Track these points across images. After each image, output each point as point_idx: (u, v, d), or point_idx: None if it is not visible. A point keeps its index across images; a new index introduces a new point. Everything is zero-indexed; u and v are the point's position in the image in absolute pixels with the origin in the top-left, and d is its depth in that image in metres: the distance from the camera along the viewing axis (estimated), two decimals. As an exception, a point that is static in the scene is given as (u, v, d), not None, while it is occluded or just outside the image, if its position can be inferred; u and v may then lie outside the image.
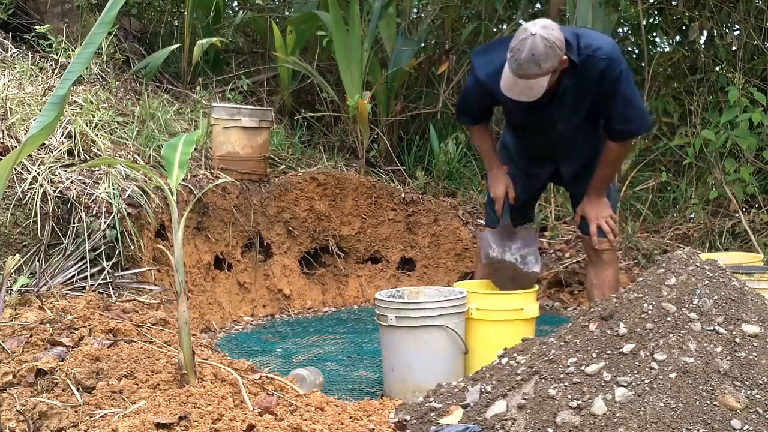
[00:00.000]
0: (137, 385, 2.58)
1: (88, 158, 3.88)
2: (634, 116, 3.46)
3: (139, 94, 5.17)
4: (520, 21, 6.87)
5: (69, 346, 2.84)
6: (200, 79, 5.91)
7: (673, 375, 2.28)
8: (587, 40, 3.34)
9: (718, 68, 5.87)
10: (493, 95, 3.44)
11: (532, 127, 3.61)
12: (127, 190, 3.82)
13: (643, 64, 6.34)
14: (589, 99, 3.43)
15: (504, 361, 2.66)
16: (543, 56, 3.13)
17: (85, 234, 3.57)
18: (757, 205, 5.28)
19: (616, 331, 2.45)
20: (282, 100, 6.28)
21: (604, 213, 3.65)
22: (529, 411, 2.35)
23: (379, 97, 6.01)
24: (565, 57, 3.23)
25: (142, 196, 3.88)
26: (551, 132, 3.54)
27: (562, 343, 2.54)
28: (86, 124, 4.05)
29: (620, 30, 6.89)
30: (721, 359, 2.32)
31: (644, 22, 6.21)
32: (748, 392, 2.26)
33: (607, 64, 3.33)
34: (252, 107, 4.99)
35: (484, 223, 4.16)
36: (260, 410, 2.50)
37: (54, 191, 3.60)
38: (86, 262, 3.52)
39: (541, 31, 3.15)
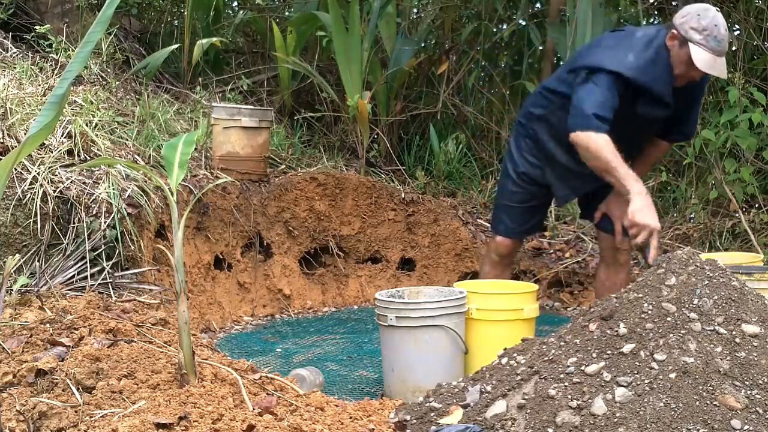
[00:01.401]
0: (137, 385, 2.58)
1: (88, 158, 3.88)
2: (696, 121, 3.60)
3: (139, 94, 5.17)
4: (521, 21, 6.88)
5: (69, 346, 2.84)
6: (200, 79, 5.91)
7: (673, 375, 2.28)
8: None
9: (718, 68, 5.86)
10: (639, 89, 3.37)
11: (628, 126, 3.46)
12: (127, 190, 3.82)
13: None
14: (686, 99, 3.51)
15: (504, 361, 2.66)
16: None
17: (85, 234, 3.57)
18: (757, 205, 5.28)
19: (616, 331, 2.45)
20: (282, 100, 6.28)
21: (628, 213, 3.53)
22: (529, 411, 2.35)
23: (379, 97, 6.01)
24: None
25: (142, 196, 3.88)
26: (641, 130, 3.53)
27: (562, 343, 2.54)
28: (86, 124, 4.05)
29: (620, 30, 6.88)
30: (721, 359, 2.32)
31: (644, 22, 6.21)
32: (748, 392, 2.26)
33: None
34: (252, 107, 4.99)
35: (493, 230, 4.01)
36: (260, 410, 2.50)
37: (54, 191, 3.60)
38: (86, 262, 3.52)
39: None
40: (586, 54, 3.54)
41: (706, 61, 3.26)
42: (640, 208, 3.23)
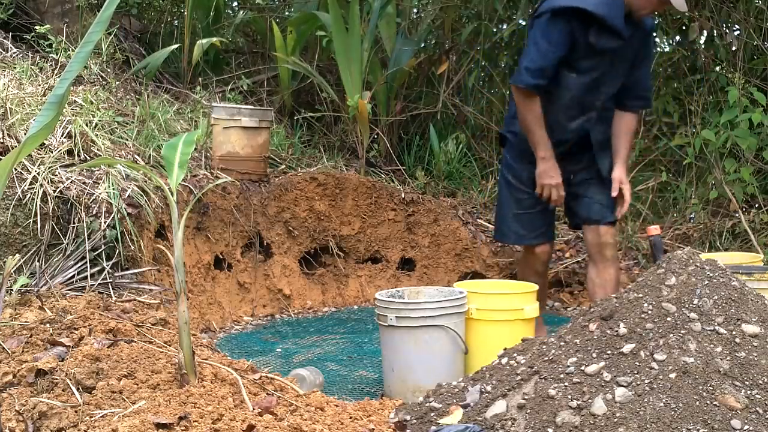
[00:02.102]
0: (137, 385, 2.58)
1: (88, 158, 3.88)
2: (651, 87, 3.69)
3: (139, 94, 5.17)
4: (520, 21, 6.88)
5: (69, 346, 2.84)
6: (200, 79, 5.91)
7: (673, 375, 2.28)
8: None
9: (718, 68, 5.87)
10: (600, 26, 3.48)
11: (592, 73, 3.60)
12: (127, 190, 3.82)
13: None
14: (635, 54, 3.61)
15: (504, 361, 2.66)
16: None
17: (85, 234, 3.57)
18: (757, 205, 5.28)
19: (616, 331, 2.45)
20: (282, 100, 6.28)
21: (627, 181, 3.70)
22: (529, 411, 2.35)
23: (379, 97, 6.01)
24: None
25: (142, 196, 3.88)
26: (605, 80, 3.62)
27: (562, 343, 2.54)
28: (86, 124, 4.05)
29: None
30: (721, 359, 2.32)
31: (644, 22, 6.21)
32: (748, 392, 2.25)
33: (652, 25, 3.64)
34: (252, 107, 4.99)
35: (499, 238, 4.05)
36: (260, 410, 2.50)
37: (54, 191, 3.60)
38: (86, 262, 3.52)
39: None
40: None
41: None
42: (543, 170, 3.62)
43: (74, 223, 3.58)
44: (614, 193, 3.68)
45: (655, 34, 6.48)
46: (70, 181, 3.68)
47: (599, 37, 3.50)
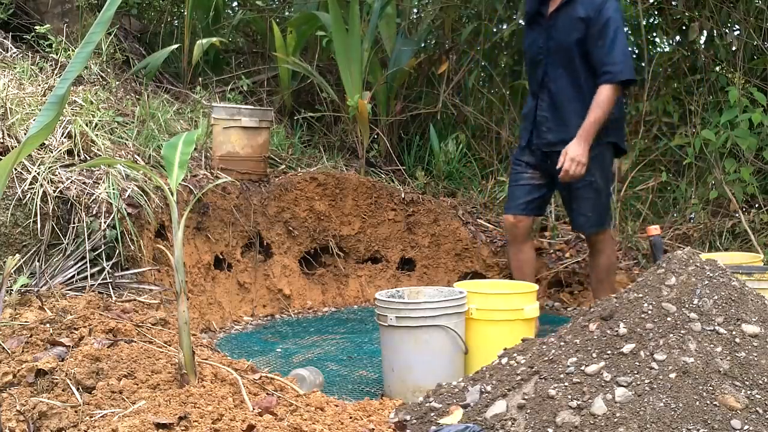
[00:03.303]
0: (137, 385, 2.58)
1: (88, 158, 3.88)
2: (621, 59, 3.81)
3: (139, 94, 5.17)
4: (520, 21, 6.88)
5: (69, 346, 2.84)
6: (200, 79, 5.91)
7: (673, 375, 2.28)
8: None
9: (718, 68, 5.87)
10: (526, 12, 4.12)
11: (532, 54, 4.05)
12: (127, 190, 3.82)
13: (643, 64, 6.34)
14: (579, 30, 3.83)
15: (504, 361, 2.66)
16: None
17: (85, 234, 3.57)
18: (757, 205, 5.28)
19: (616, 331, 2.45)
20: (282, 100, 6.28)
21: (579, 157, 3.80)
22: (529, 411, 2.35)
23: (379, 97, 6.01)
24: None
25: (142, 196, 3.88)
26: (543, 56, 3.96)
27: (562, 343, 2.54)
28: (86, 124, 4.05)
29: (620, 30, 6.88)
30: (721, 359, 2.32)
31: (644, 22, 6.21)
32: (748, 392, 2.26)
33: (601, 2, 3.79)
34: (252, 107, 4.99)
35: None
36: (260, 410, 2.50)
37: (54, 191, 3.60)
38: (86, 262, 3.52)
39: None
40: None
41: None
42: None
43: (74, 223, 3.58)
44: (558, 165, 3.86)
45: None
46: (70, 181, 3.68)
47: None
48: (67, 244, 3.55)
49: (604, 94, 3.81)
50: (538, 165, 4.08)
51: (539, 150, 4.03)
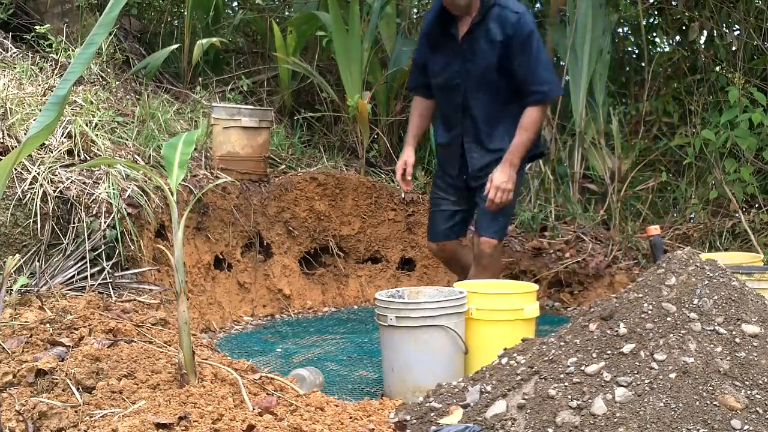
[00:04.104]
0: (137, 385, 2.58)
1: (88, 158, 3.88)
2: (547, 78, 3.73)
3: (139, 94, 5.16)
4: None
5: (69, 346, 2.84)
6: (200, 79, 5.91)
7: (673, 375, 2.28)
8: (502, 2, 3.72)
9: (718, 68, 5.87)
10: (427, 34, 3.93)
11: (446, 78, 3.88)
12: (127, 190, 3.82)
13: (643, 64, 6.34)
14: (498, 51, 3.71)
15: (504, 361, 2.67)
16: None
17: (85, 234, 3.57)
18: (757, 205, 5.28)
19: (616, 331, 2.45)
20: (282, 100, 6.28)
21: (505, 185, 3.73)
22: (529, 411, 2.35)
23: (379, 97, 6.00)
24: None
25: (142, 196, 3.88)
26: (461, 80, 3.82)
27: (562, 343, 2.54)
28: (86, 124, 4.05)
29: (620, 30, 6.89)
30: (721, 359, 2.32)
31: (644, 22, 6.21)
32: (748, 392, 2.26)
33: (517, 20, 3.67)
34: (252, 107, 4.98)
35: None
36: (260, 410, 2.50)
37: (54, 191, 3.60)
38: (86, 262, 3.52)
39: None
40: None
41: None
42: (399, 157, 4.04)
43: (74, 223, 3.58)
44: (485, 193, 3.80)
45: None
46: (70, 181, 3.68)
47: None
48: (67, 244, 3.55)
49: (533, 115, 3.72)
50: (461, 190, 4.01)
51: (468, 177, 3.94)
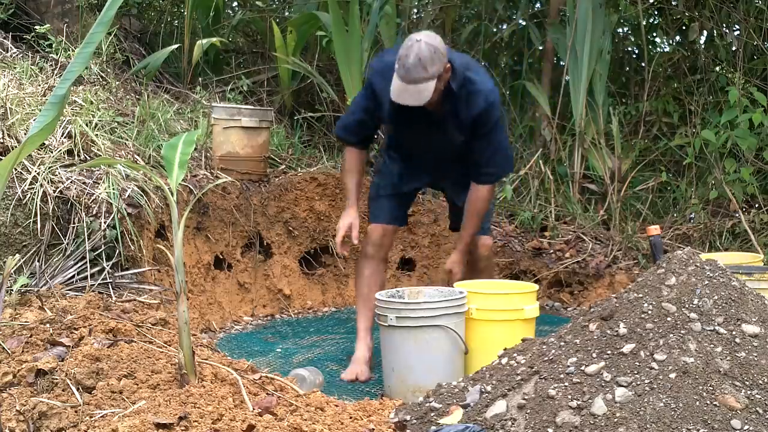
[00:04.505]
0: (137, 385, 2.58)
1: (88, 158, 3.88)
2: (501, 162, 3.73)
3: (139, 94, 5.16)
4: (521, 21, 6.89)
5: (69, 346, 2.84)
6: (200, 79, 5.91)
7: (673, 375, 2.28)
8: (473, 76, 3.53)
9: (718, 68, 5.87)
10: (380, 101, 3.59)
11: (413, 145, 3.81)
12: (127, 190, 3.82)
13: (643, 64, 6.35)
14: (467, 130, 3.60)
15: (504, 361, 2.66)
16: (428, 60, 3.30)
17: (85, 234, 3.57)
18: (757, 205, 5.28)
19: (616, 331, 2.45)
20: (282, 100, 6.28)
21: (457, 267, 3.79)
22: (529, 411, 2.35)
23: (379, 97, 6.00)
24: (448, 64, 3.39)
25: (142, 196, 3.88)
26: (439, 138, 3.68)
27: (562, 343, 2.54)
28: (86, 124, 4.05)
29: (620, 30, 6.89)
30: (721, 359, 2.32)
31: (644, 22, 6.21)
32: (748, 392, 2.26)
33: (485, 108, 3.53)
34: (252, 107, 4.99)
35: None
36: (260, 410, 2.50)
37: (54, 191, 3.60)
38: (86, 262, 3.52)
39: (425, 38, 3.35)
40: None
41: (396, 88, 3.37)
42: (341, 218, 3.86)
43: (74, 223, 3.58)
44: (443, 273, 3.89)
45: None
46: (70, 181, 3.68)
47: None
48: (67, 244, 3.55)
49: (483, 194, 3.73)
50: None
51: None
